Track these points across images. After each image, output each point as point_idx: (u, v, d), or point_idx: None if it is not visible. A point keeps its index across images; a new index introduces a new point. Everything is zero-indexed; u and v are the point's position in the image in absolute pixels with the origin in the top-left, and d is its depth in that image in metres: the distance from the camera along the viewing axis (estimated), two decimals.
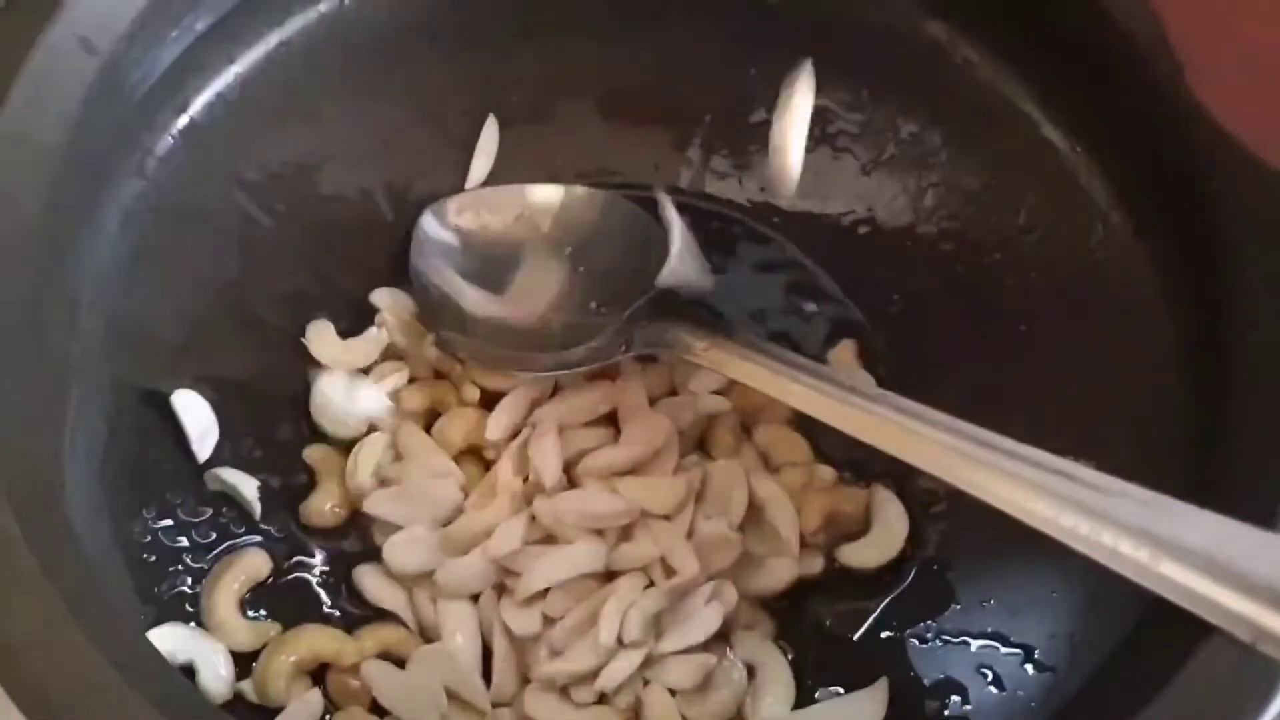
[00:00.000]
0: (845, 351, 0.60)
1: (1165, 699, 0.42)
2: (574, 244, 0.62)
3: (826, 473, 0.57)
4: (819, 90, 0.64)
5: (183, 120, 0.61)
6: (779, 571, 0.55)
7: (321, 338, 0.60)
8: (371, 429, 0.58)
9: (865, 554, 0.56)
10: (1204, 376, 0.56)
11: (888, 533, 0.56)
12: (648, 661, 0.52)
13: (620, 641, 0.52)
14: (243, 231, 0.61)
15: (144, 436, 0.56)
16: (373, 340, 0.60)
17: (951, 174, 0.63)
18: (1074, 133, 0.62)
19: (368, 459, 0.57)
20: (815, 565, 0.56)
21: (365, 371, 0.60)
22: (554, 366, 0.58)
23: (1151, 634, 0.50)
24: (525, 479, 0.56)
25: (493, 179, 0.65)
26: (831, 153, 0.65)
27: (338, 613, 0.55)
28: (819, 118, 0.64)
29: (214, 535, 0.56)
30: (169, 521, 0.55)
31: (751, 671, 0.53)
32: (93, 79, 0.54)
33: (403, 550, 0.54)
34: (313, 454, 0.57)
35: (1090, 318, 0.59)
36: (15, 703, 0.41)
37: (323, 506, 0.56)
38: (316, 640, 0.53)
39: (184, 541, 0.55)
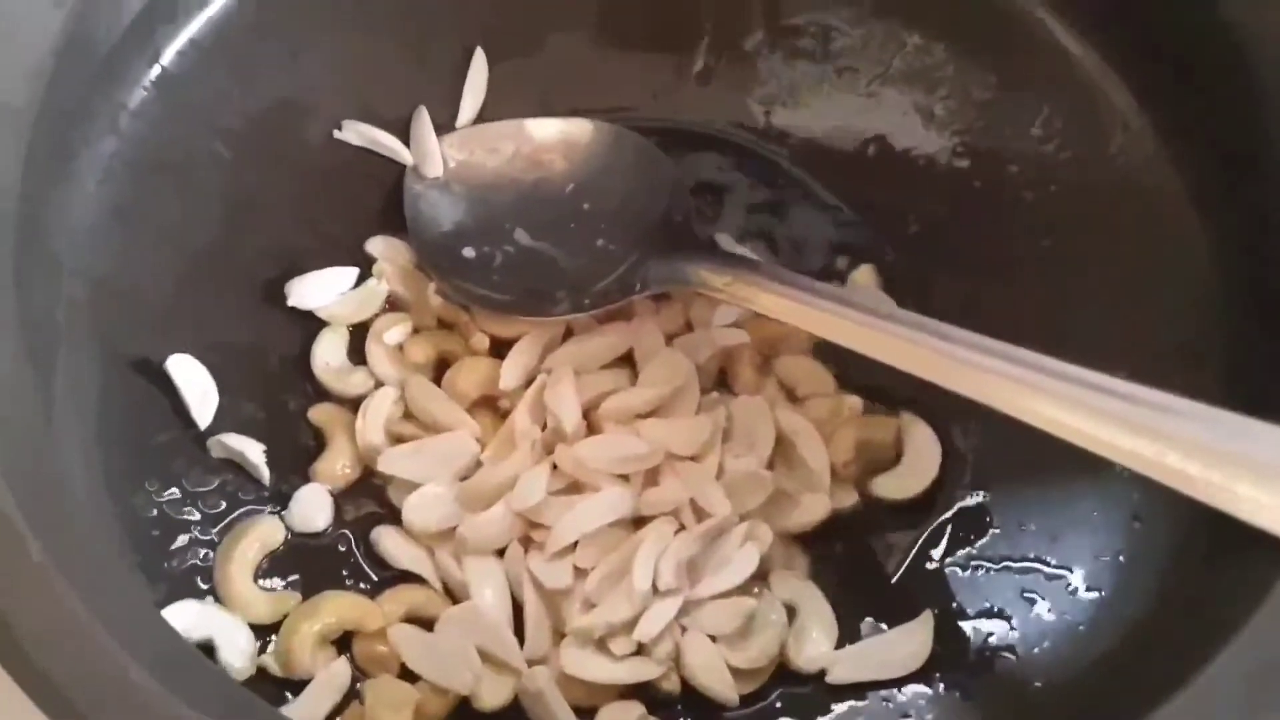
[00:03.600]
0: (865, 275, 0.58)
1: (1248, 633, 0.40)
2: (578, 180, 0.59)
3: (854, 402, 0.56)
4: (820, 6, 0.62)
5: (155, 70, 0.58)
6: (812, 507, 0.53)
7: (313, 292, 0.57)
8: (378, 384, 0.56)
9: (899, 484, 0.54)
10: (1240, 282, 0.54)
11: (920, 461, 0.55)
12: (685, 608, 0.51)
13: (655, 589, 0.50)
14: (226, 183, 0.58)
15: (140, 406, 0.54)
16: (372, 292, 0.58)
17: (961, 86, 0.61)
18: (1087, 35, 0.60)
19: (377, 416, 0.54)
20: (849, 499, 0.54)
21: (366, 325, 0.57)
22: (565, 310, 0.56)
23: (1207, 552, 0.48)
24: (543, 427, 0.54)
25: (483, 115, 0.62)
26: (834, 71, 0.62)
27: (358, 577, 0.53)
28: (821, 35, 0.62)
29: (223, 504, 0.53)
30: (174, 493, 0.53)
31: (792, 612, 0.52)
32: (61, 32, 0.51)
33: (422, 508, 0.52)
34: (319, 414, 0.55)
35: (1116, 227, 0.57)
36: (29, 695, 0.39)
37: (333, 467, 0.54)
38: (339, 607, 0.51)
39: (192, 513, 0.53)
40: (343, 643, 0.51)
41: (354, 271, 0.58)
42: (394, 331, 0.57)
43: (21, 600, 0.40)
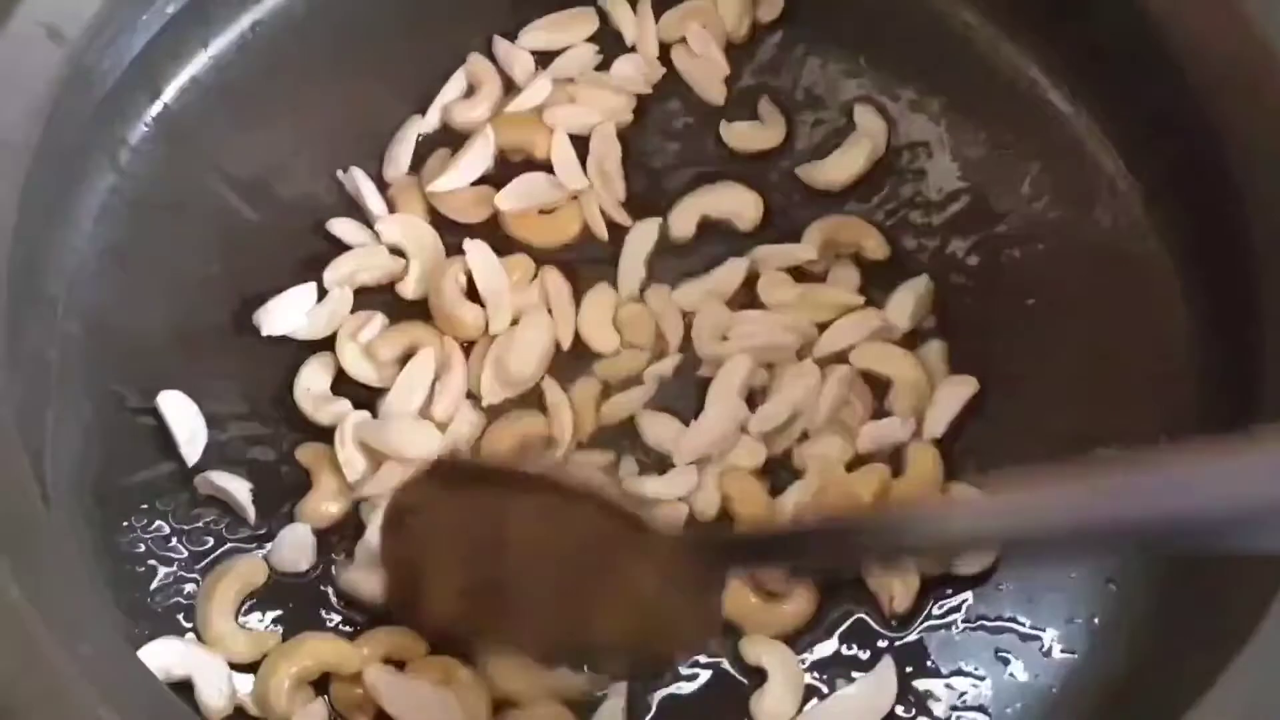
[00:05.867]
0: (934, 354, 0.57)
1: (1212, 700, 0.41)
2: None
3: None
4: (815, 60, 0.63)
5: (156, 108, 0.59)
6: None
7: (281, 317, 0.57)
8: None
9: None
10: (1218, 348, 0.55)
11: None
12: None
13: None
14: (223, 222, 0.59)
15: (129, 442, 0.55)
16: (338, 300, 0.57)
17: (952, 142, 0.62)
18: (1078, 97, 0.61)
19: (350, 434, 0.54)
20: None
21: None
22: None
23: (1179, 616, 0.49)
24: None
25: None
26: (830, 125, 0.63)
27: (339, 617, 0.53)
28: (816, 89, 0.63)
29: (208, 542, 0.54)
30: (160, 529, 0.53)
31: (761, 674, 0.51)
32: (61, 69, 0.52)
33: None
34: (305, 454, 0.55)
35: (1101, 288, 0.58)
36: None
37: (319, 506, 0.54)
38: (318, 648, 0.51)
39: (177, 549, 0.53)
40: (321, 684, 0.51)
41: (312, 287, 0.58)
42: (368, 329, 0.57)
43: None
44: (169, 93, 0.59)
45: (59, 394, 0.53)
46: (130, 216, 0.57)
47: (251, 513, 0.54)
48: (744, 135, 0.62)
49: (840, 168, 0.61)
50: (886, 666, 0.51)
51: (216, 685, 0.50)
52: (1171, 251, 0.57)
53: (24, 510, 0.45)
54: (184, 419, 0.55)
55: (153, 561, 0.53)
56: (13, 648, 0.41)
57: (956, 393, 0.56)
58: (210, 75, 0.60)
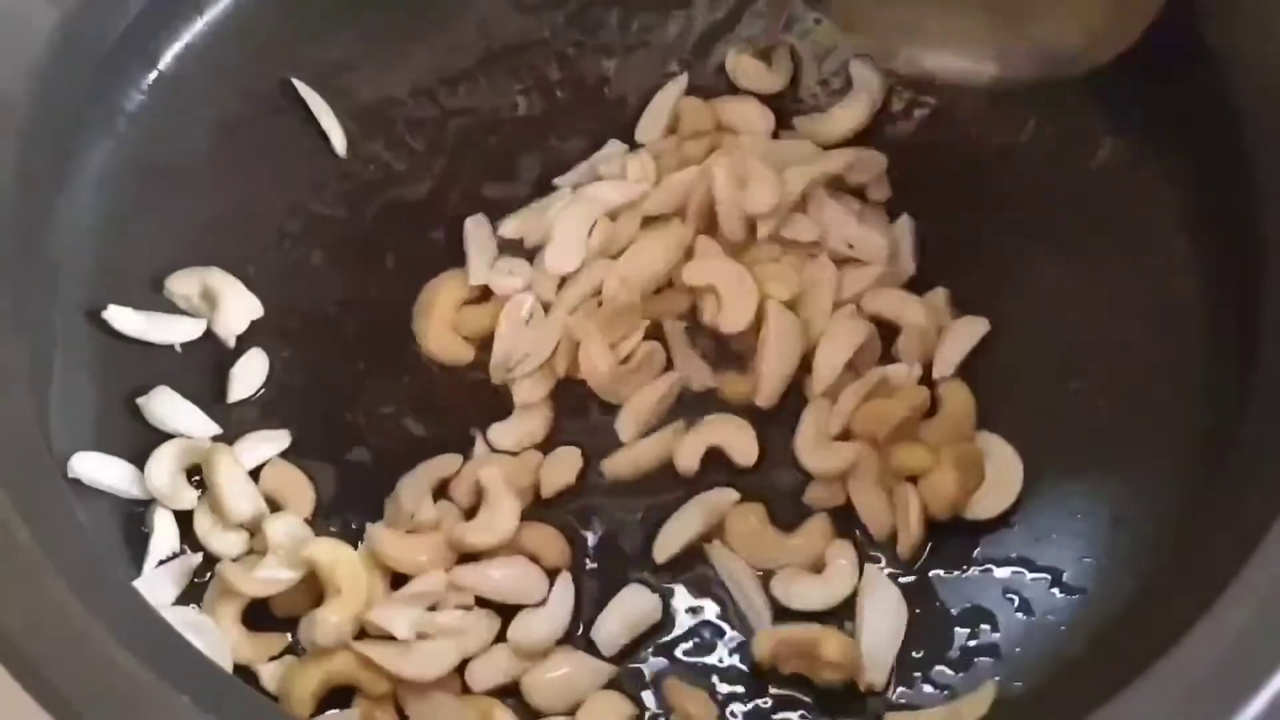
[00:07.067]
0: (939, 300, 0.57)
1: (1205, 628, 0.41)
2: None
3: None
4: (810, 17, 0.63)
5: (152, 74, 0.59)
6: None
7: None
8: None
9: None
10: (1220, 298, 0.55)
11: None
12: None
13: None
14: (220, 188, 0.59)
15: (134, 405, 0.54)
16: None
17: (951, 95, 0.61)
18: None
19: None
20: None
21: None
22: None
23: (1187, 555, 0.49)
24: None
25: None
26: (827, 82, 0.63)
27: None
28: (812, 47, 0.63)
29: None
30: None
31: None
32: (57, 32, 0.52)
33: None
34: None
35: (1099, 240, 0.58)
36: (24, 688, 0.40)
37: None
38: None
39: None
40: None
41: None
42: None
43: (8, 586, 0.41)
44: (164, 60, 0.59)
45: (63, 359, 0.53)
46: (129, 182, 0.57)
47: None
48: (749, 73, 0.62)
49: (839, 122, 0.61)
50: (898, 608, 0.51)
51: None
52: (1170, 202, 0.57)
53: (32, 462, 0.45)
54: None
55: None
56: (29, 595, 0.41)
57: (967, 333, 0.56)
58: (205, 41, 0.60)
